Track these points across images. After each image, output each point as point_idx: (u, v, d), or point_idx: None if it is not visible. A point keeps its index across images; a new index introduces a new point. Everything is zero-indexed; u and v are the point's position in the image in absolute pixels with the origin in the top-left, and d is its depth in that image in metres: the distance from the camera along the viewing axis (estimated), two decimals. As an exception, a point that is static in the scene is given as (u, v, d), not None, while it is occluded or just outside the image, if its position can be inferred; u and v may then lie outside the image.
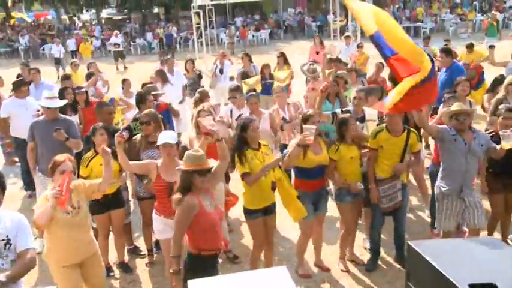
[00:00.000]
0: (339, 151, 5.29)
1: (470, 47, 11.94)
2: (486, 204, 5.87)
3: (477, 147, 5.06)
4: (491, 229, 5.81)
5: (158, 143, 4.93)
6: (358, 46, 12.72)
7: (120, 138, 4.73)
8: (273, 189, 5.00)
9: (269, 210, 5.05)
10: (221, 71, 11.70)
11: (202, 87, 9.90)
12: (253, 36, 30.48)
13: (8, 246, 3.50)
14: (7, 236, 3.50)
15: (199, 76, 11.48)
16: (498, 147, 5.07)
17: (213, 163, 4.38)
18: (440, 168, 5.33)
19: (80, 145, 6.18)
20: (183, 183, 4.04)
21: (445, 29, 29.20)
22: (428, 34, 20.84)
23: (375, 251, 5.67)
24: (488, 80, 10.22)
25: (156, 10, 42.16)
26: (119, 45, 23.69)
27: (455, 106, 5.22)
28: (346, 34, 15.53)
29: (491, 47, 10.60)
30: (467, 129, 5.10)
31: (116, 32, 26.05)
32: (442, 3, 36.03)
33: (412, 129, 5.39)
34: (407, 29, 29.83)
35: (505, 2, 34.05)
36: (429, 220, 6.48)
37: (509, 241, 5.87)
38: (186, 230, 4.02)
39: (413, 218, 6.86)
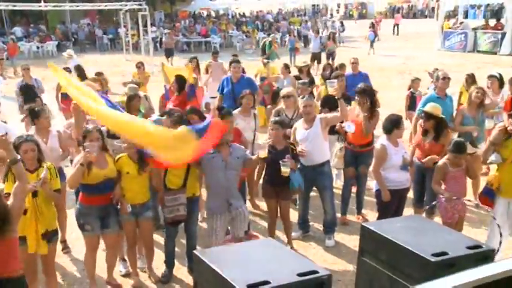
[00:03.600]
0: (119, 162, 5.21)
1: (266, 59, 13.03)
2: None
3: (234, 161, 5.35)
4: (272, 230, 6.26)
5: None
6: (136, 66, 12.20)
7: None
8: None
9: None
10: None
11: None
12: (38, 48, 28.35)
13: None
14: None
15: None
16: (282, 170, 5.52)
17: None
18: (206, 187, 5.54)
19: None
20: None
21: (233, 45, 31.09)
22: (217, 49, 21.93)
23: (169, 263, 5.69)
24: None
25: None
26: None
27: None
28: None
29: (266, 64, 12.15)
30: (225, 144, 5.33)
31: None
32: (229, 20, 38.47)
33: None
34: (198, 44, 31.11)
35: (277, 21, 37.86)
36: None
37: (291, 243, 6.36)
38: None
39: (206, 227, 7.06)
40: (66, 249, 6.35)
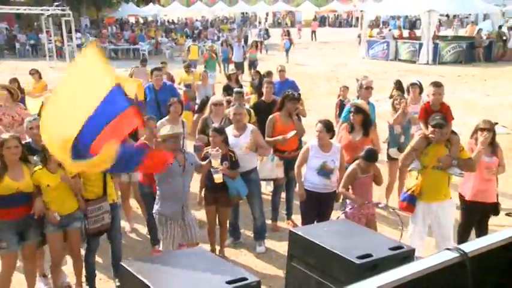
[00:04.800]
0: (35, 176, 4.95)
1: (187, 67, 13.05)
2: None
3: (189, 167, 5.42)
4: (211, 237, 6.24)
5: None
6: (30, 73, 11.20)
7: None
8: None
9: None
10: None
11: None
12: None
13: None
14: None
15: None
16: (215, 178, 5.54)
17: None
18: (158, 193, 5.48)
19: None
20: None
21: (162, 52, 30.68)
22: (146, 57, 21.53)
23: (90, 274, 5.50)
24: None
25: None
26: None
27: (166, 129, 5.42)
28: None
29: (188, 72, 12.53)
30: (178, 150, 5.36)
31: None
32: (158, 27, 37.99)
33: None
34: (126, 51, 30.45)
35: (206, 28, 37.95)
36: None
37: (223, 250, 6.32)
38: None
39: (136, 238, 6.92)
40: None
